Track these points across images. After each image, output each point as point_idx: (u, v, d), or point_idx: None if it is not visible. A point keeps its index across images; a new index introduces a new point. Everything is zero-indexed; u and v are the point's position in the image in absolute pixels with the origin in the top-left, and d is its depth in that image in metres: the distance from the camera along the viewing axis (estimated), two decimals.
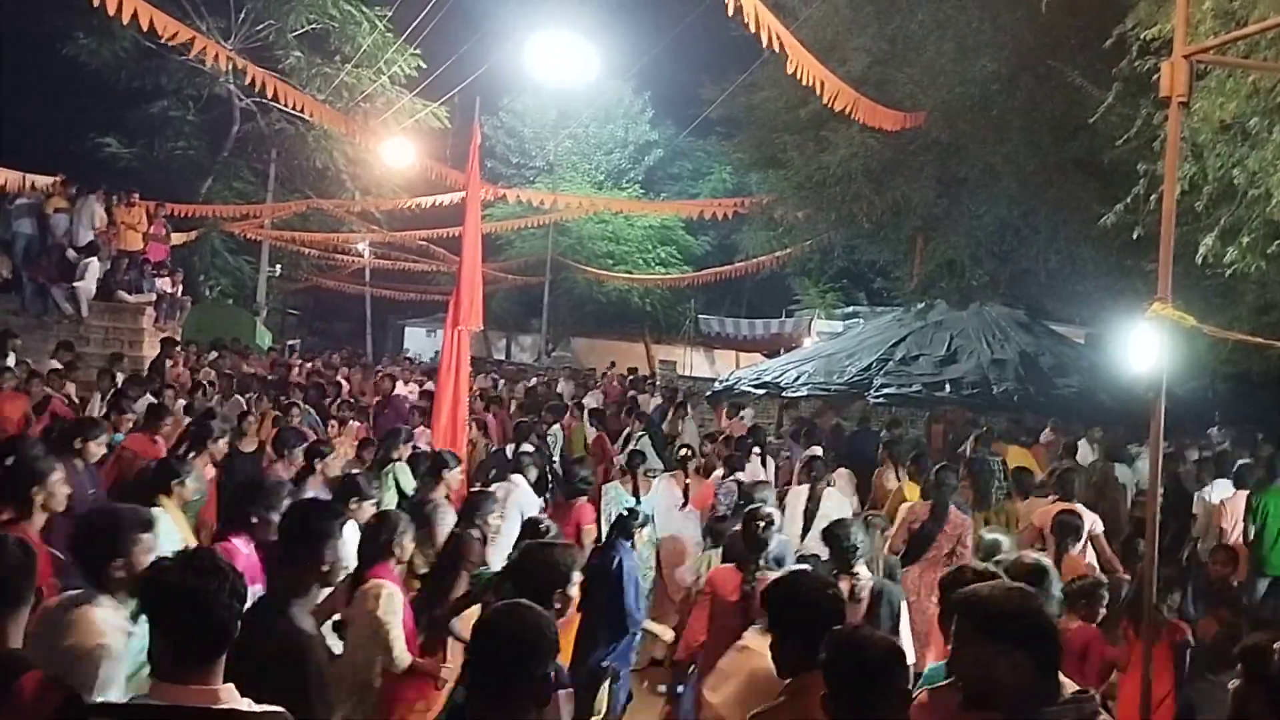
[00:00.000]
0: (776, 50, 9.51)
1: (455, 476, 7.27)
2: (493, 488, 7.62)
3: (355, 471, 6.83)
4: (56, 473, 4.60)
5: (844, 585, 5.07)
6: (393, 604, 4.49)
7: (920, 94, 14.67)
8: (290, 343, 30.80)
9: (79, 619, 3.23)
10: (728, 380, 18.77)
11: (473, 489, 7.48)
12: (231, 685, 2.53)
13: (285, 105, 16.49)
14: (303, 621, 3.44)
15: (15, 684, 2.44)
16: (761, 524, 5.36)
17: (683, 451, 9.68)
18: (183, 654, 2.47)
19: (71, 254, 15.48)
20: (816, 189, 16.52)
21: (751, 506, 5.78)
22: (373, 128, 22.31)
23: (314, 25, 26.38)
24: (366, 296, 36.94)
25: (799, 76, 10.20)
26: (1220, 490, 10.49)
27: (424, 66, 24.84)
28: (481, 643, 2.54)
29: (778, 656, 3.25)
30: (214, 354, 16.71)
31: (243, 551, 4.72)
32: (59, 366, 12.26)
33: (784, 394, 16.30)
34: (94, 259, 15.67)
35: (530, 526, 5.84)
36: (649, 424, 14.25)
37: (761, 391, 16.77)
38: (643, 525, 6.56)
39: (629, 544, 6.39)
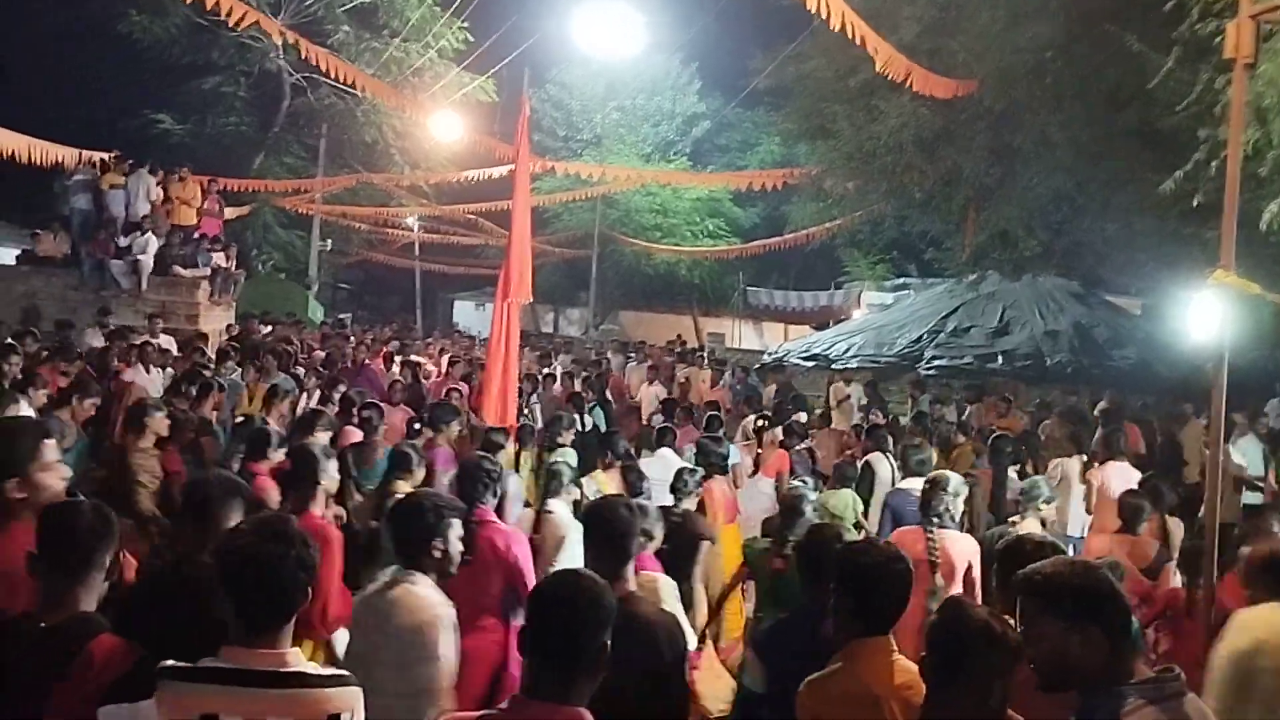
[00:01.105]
0: (825, 18, 9.40)
1: (510, 452, 7.33)
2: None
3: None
4: (331, 461, 4.91)
5: (920, 546, 5.15)
6: None
7: (973, 62, 14.46)
8: (341, 316, 31.09)
9: (403, 598, 3.45)
10: (776, 352, 18.72)
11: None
12: (299, 649, 2.59)
13: (335, 80, 16.60)
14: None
15: (88, 646, 2.51)
16: (941, 490, 5.47)
17: (760, 422, 9.67)
18: (251, 618, 2.54)
19: (122, 240, 15.72)
20: (866, 159, 16.37)
21: (935, 474, 5.82)
22: (421, 102, 22.36)
23: (362, 0, 26.49)
24: (416, 270, 37.15)
25: (851, 37, 10.07)
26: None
27: (471, 40, 24.88)
28: (538, 612, 2.55)
29: (836, 621, 3.26)
30: (268, 329, 16.93)
31: None
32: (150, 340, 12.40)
33: (833, 366, 16.23)
34: (150, 234, 15.91)
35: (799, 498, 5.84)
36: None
37: (810, 364, 16.71)
38: (690, 492, 6.59)
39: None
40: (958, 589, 4.97)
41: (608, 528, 3.66)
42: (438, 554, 3.58)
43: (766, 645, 3.86)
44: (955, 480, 5.61)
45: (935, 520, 5.38)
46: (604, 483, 7.06)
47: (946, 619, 2.66)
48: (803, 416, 11.23)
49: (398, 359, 15.62)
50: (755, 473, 8.88)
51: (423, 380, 13.20)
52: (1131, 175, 13.07)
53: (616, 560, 3.58)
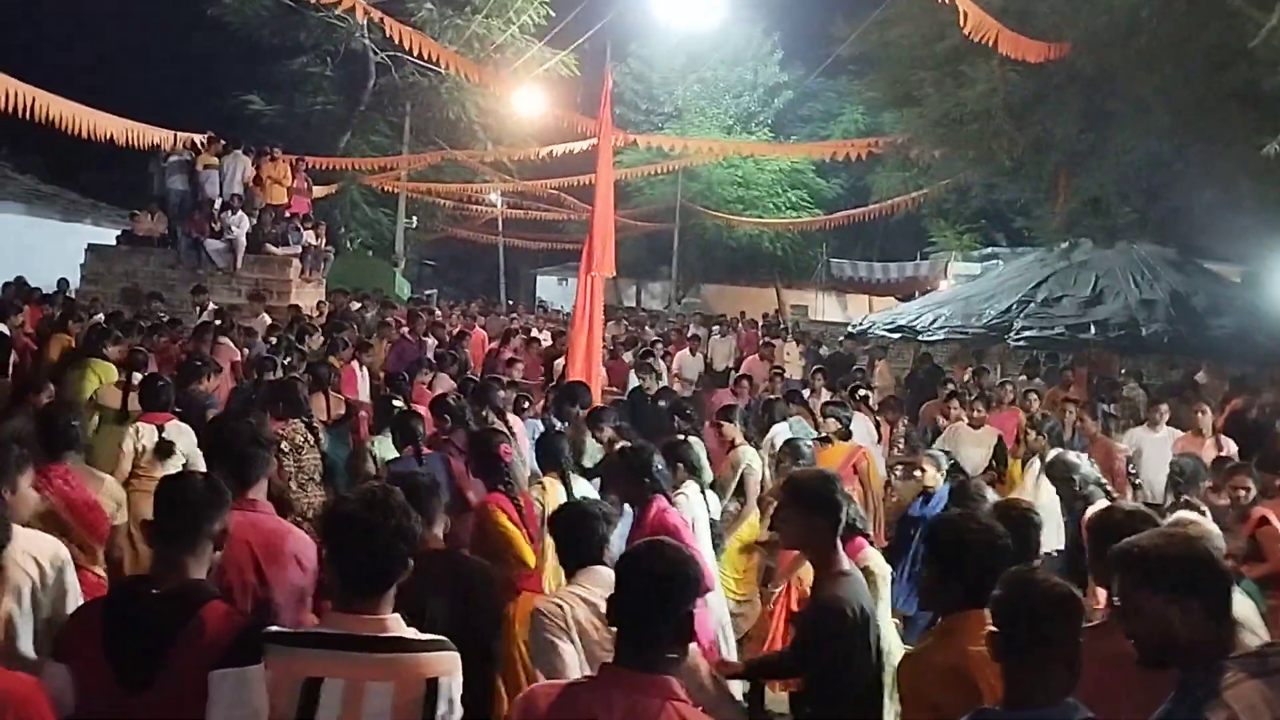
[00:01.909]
0: None
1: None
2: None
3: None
4: None
5: None
6: None
7: (1064, 24, 14.05)
8: (428, 293, 31.54)
9: None
10: (861, 324, 18.53)
11: None
12: (399, 615, 2.68)
13: (420, 57, 16.77)
14: None
15: (199, 612, 2.61)
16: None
17: (862, 392, 9.59)
18: (353, 585, 2.63)
19: (217, 220, 16.12)
20: (953, 126, 16.04)
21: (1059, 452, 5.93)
22: (503, 77, 22.49)
23: None
24: (499, 246, 37.48)
25: (938, 0, 9.87)
26: None
27: (552, 15, 24.91)
28: (626, 579, 2.58)
29: (930, 594, 3.25)
30: (358, 304, 17.27)
31: None
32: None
33: (920, 338, 16.02)
34: (243, 213, 16.33)
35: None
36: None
37: (896, 336, 16.51)
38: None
39: None
40: None
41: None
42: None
43: None
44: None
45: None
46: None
47: (1012, 591, 2.62)
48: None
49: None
50: (880, 440, 8.95)
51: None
52: (1232, 138, 12.63)
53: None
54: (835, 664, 3.45)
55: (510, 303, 31.77)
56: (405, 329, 13.52)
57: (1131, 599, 2.48)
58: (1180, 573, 2.42)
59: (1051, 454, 6.66)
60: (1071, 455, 6.34)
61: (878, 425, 9.48)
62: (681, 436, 6.77)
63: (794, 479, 3.84)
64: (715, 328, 20.62)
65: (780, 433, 8.45)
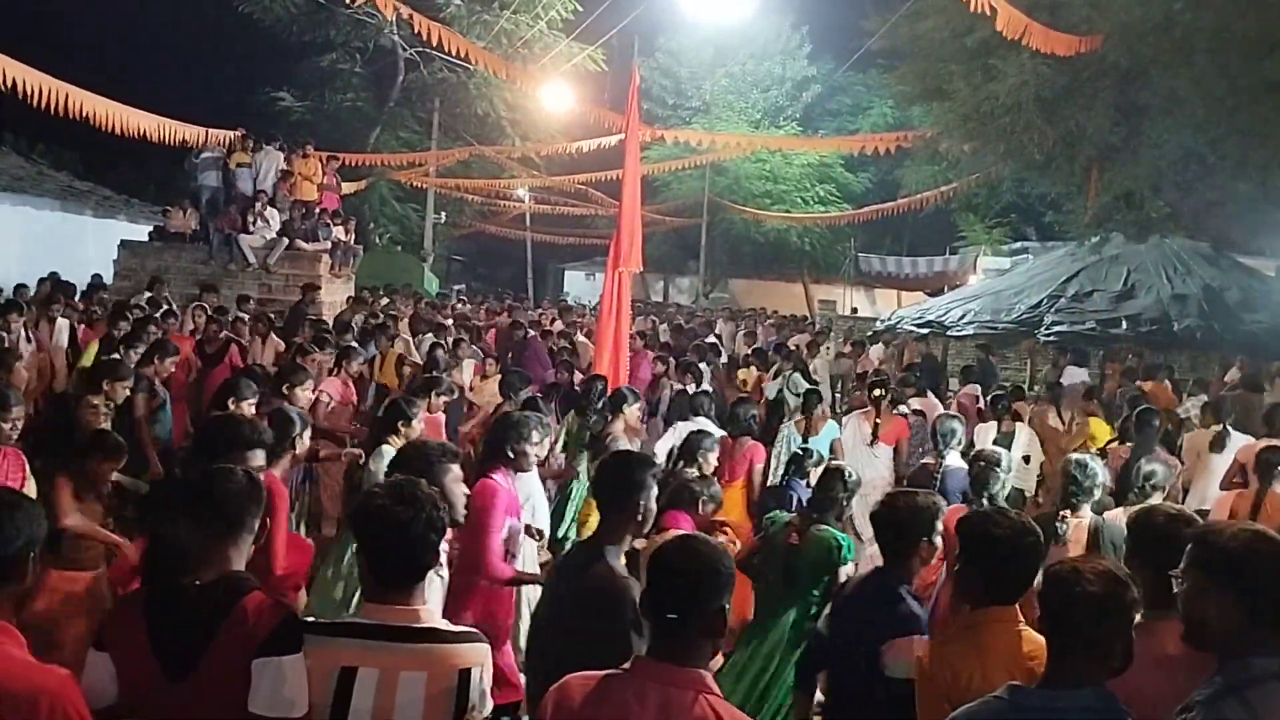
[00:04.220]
0: None
1: (634, 412, 7.40)
2: (678, 426, 7.95)
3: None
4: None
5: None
6: None
7: (1096, 16, 13.96)
8: (456, 288, 31.69)
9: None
10: (890, 319, 18.46)
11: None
12: (430, 606, 2.72)
13: (449, 53, 16.85)
14: (617, 565, 3.59)
15: (240, 603, 2.66)
16: (994, 468, 5.44)
17: (876, 391, 9.44)
18: (385, 576, 2.68)
19: (248, 216, 16.26)
20: (984, 120, 15.95)
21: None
22: (531, 73, 22.55)
23: None
24: (527, 241, 37.61)
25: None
26: None
27: (580, 9, 24.95)
28: (656, 576, 2.59)
29: (960, 589, 3.27)
30: (386, 300, 17.39)
31: (503, 485, 4.84)
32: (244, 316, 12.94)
33: (948, 333, 15.95)
34: (274, 209, 16.46)
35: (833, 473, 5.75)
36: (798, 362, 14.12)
37: (925, 330, 16.43)
38: (816, 464, 6.55)
39: (804, 483, 6.33)
40: None
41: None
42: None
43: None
44: (1007, 459, 5.52)
45: (985, 501, 5.27)
46: None
47: (1060, 585, 2.63)
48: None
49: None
50: (874, 441, 8.75)
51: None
52: (1269, 131, 12.50)
53: None
54: None
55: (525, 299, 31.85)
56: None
57: (1186, 574, 2.52)
58: (1228, 562, 2.43)
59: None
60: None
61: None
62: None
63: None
64: (741, 322, 20.60)
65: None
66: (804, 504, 5.93)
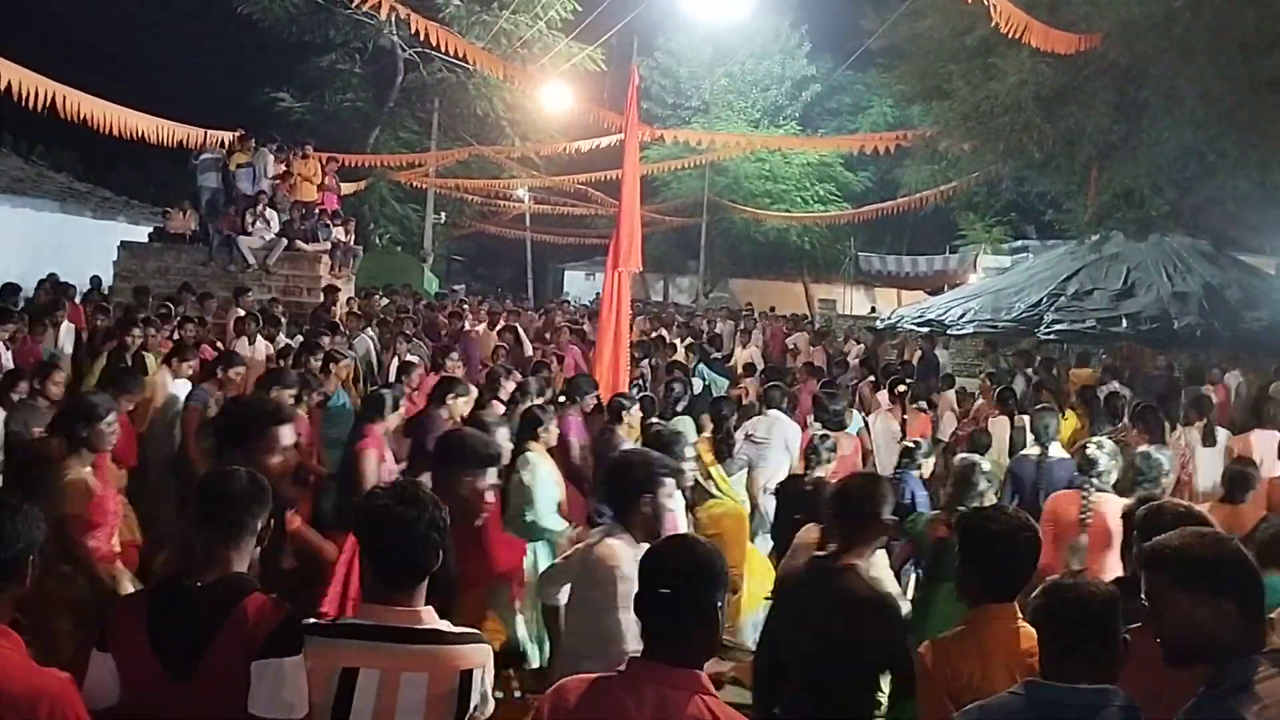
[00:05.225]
0: None
1: (635, 416, 7.37)
2: (754, 420, 8.01)
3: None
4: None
5: (1074, 510, 5.30)
6: None
7: (1096, 14, 13.95)
8: (455, 288, 31.68)
9: (602, 549, 3.70)
10: (889, 319, 18.45)
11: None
12: (431, 608, 2.72)
13: (448, 53, 16.84)
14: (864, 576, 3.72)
15: (240, 604, 2.66)
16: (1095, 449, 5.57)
17: (900, 388, 9.65)
18: (387, 578, 2.68)
19: (248, 217, 16.25)
20: (983, 119, 15.94)
21: (1097, 438, 5.92)
22: (531, 73, 22.54)
23: None
24: (527, 241, 37.57)
25: None
26: None
27: (579, 9, 24.93)
28: (653, 576, 2.59)
29: (961, 586, 3.28)
30: (386, 300, 17.39)
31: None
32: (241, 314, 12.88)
33: (948, 332, 15.94)
34: (274, 210, 16.45)
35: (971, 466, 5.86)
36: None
37: (925, 329, 16.43)
38: (926, 455, 6.91)
39: (915, 474, 6.69)
40: (1113, 554, 4.83)
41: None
42: (646, 509, 3.73)
43: None
44: (1110, 445, 5.64)
45: (1094, 484, 5.39)
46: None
47: (1051, 603, 2.64)
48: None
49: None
50: (903, 437, 8.87)
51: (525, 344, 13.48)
52: (1269, 129, 12.50)
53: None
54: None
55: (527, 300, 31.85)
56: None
57: (1161, 599, 2.45)
58: (1211, 574, 2.39)
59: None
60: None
61: None
62: None
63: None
64: (741, 321, 20.56)
65: None
66: (914, 496, 6.34)
